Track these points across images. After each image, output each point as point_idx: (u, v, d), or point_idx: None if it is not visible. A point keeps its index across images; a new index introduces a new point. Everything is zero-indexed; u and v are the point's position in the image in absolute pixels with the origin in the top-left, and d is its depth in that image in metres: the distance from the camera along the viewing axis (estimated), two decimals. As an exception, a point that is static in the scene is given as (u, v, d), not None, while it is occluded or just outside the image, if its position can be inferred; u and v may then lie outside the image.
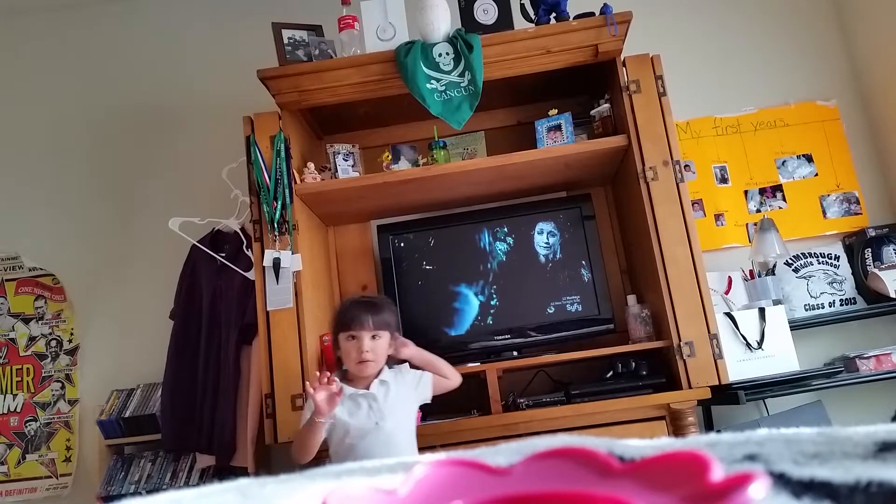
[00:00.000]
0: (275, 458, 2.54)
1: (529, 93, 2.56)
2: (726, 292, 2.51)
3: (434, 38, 2.28)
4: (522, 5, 2.44)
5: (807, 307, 2.52)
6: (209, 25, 3.06)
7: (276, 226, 2.20)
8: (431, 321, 2.43)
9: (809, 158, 2.72)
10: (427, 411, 2.08)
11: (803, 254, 2.59)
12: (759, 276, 2.40)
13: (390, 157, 2.45)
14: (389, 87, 2.29)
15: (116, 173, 2.98)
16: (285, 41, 2.37)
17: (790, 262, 2.57)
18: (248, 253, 2.46)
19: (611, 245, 2.61)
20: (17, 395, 2.81)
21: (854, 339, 2.50)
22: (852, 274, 2.54)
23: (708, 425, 2.42)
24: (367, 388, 1.82)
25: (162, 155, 2.96)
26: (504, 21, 2.38)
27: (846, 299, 2.52)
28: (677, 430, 2.05)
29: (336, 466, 0.55)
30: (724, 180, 2.73)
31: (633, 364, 2.17)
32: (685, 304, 2.09)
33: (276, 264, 2.18)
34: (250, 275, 2.41)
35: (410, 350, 1.94)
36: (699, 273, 2.11)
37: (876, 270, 2.41)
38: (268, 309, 2.17)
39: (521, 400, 2.17)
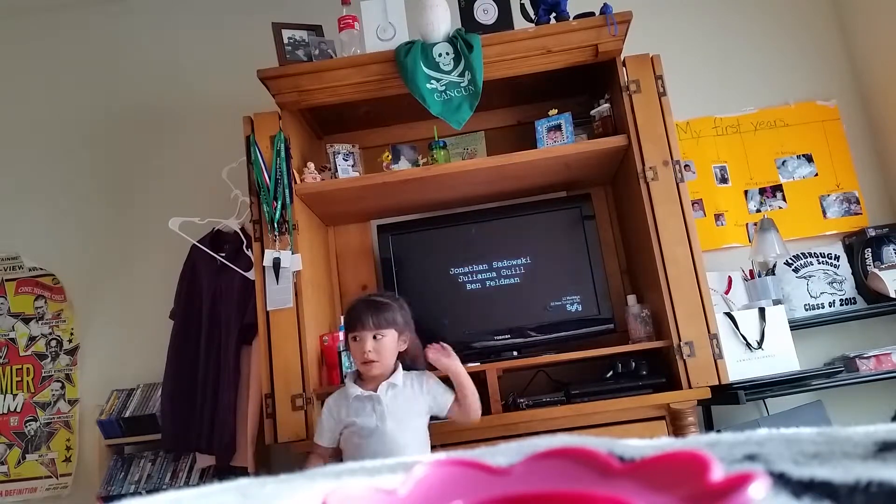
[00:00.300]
0: (275, 458, 2.54)
1: (529, 93, 2.56)
2: (726, 292, 2.51)
3: (434, 38, 2.28)
4: (522, 5, 2.44)
5: (807, 307, 2.52)
6: (209, 25, 3.05)
7: (276, 226, 2.21)
8: (431, 321, 2.42)
9: (809, 158, 2.72)
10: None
11: (803, 254, 2.59)
12: (759, 276, 2.40)
13: (390, 157, 2.45)
14: (389, 87, 2.29)
15: (116, 173, 2.98)
16: (285, 41, 2.37)
17: (790, 261, 2.57)
18: (248, 253, 2.46)
19: (611, 245, 2.61)
20: (17, 394, 2.81)
21: (854, 339, 2.50)
22: (852, 274, 2.54)
23: (708, 425, 2.42)
24: (375, 389, 1.83)
25: (162, 155, 2.96)
26: (504, 21, 2.37)
27: (846, 299, 2.52)
28: (677, 430, 2.05)
29: (336, 466, 0.56)
30: (724, 180, 2.73)
31: (633, 364, 2.17)
32: (685, 303, 2.09)
33: (276, 264, 2.18)
34: (250, 275, 2.41)
35: (448, 362, 1.85)
36: (699, 273, 2.11)
37: (876, 270, 2.41)
38: (268, 309, 2.17)
39: (521, 400, 2.17)
